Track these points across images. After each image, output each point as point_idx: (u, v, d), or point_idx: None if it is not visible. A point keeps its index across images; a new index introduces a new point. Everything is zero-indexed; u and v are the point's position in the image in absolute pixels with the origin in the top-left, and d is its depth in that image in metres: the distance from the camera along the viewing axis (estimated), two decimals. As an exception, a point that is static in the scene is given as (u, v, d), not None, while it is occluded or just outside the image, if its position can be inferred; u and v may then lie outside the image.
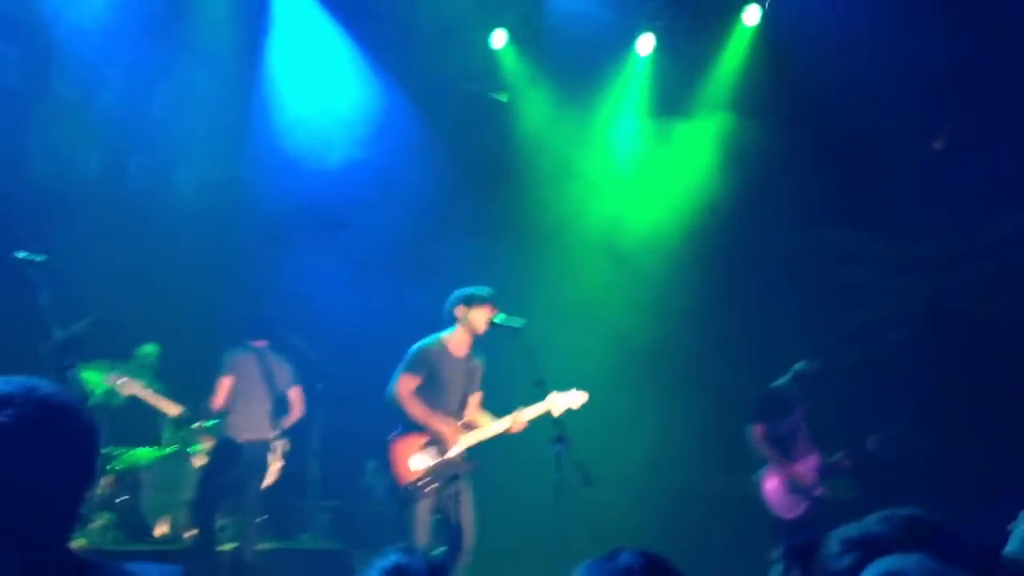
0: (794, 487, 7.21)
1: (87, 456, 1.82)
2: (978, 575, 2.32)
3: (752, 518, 7.91)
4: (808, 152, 9.14)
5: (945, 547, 2.65)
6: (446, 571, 2.12)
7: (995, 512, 3.45)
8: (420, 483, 6.00)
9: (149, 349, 8.48)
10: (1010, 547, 3.21)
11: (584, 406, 6.36)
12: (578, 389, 6.30)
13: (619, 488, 8.23)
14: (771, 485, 7.26)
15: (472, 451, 6.23)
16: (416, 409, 6.11)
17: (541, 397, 6.07)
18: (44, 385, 1.82)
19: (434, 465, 6.05)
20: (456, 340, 6.27)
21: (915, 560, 2.13)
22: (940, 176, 8.77)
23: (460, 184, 9.43)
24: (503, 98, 10.01)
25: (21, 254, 5.16)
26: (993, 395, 8.25)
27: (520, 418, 6.18)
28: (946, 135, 9.03)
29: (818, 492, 7.24)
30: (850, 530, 2.68)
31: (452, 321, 6.28)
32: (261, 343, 7.41)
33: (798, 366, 7.46)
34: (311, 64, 9.28)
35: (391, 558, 2.11)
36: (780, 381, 7.47)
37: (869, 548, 2.41)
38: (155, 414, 8.25)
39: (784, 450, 7.29)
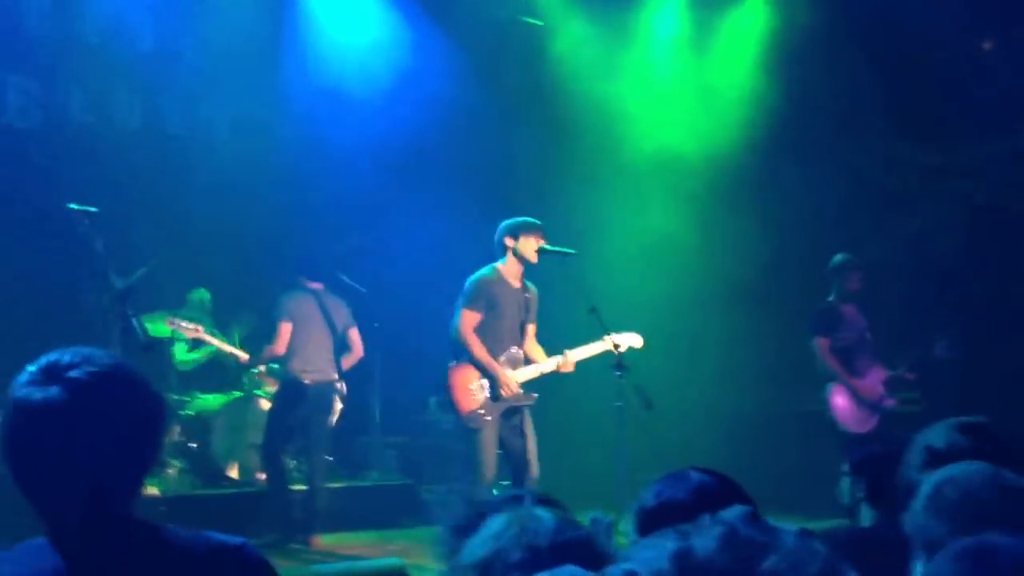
0: (862, 400, 7.14)
1: (150, 426, 1.80)
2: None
3: (817, 436, 7.88)
4: (851, 57, 8.86)
5: (1013, 455, 2.59)
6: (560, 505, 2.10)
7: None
8: (481, 411, 6.03)
9: (202, 294, 8.56)
10: None
11: (642, 329, 6.33)
12: (632, 332, 6.25)
13: (682, 413, 8.21)
14: (840, 400, 7.20)
15: (532, 382, 6.22)
16: (479, 350, 6.12)
17: (597, 324, 6.03)
18: (103, 355, 1.80)
19: (489, 397, 6.07)
20: (510, 270, 6.25)
21: (977, 468, 2.08)
22: (986, 81, 8.47)
23: (502, 113, 9.30)
24: (536, 22, 9.80)
25: (73, 205, 5.20)
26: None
27: (570, 358, 6.17)
28: (994, 38, 8.71)
29: (887, 404, 7.17)
30: (930, 439, 2.63)
31: (503, 252, 6.25)
32: (317, 285, 7.45)
33: (836, 260, 7.32)
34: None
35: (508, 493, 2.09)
36: (832, 296, 7.38)
37: (956, 460, 2.36)
38: (217, 359, 8.40)
39: (849, 363, 7.22)
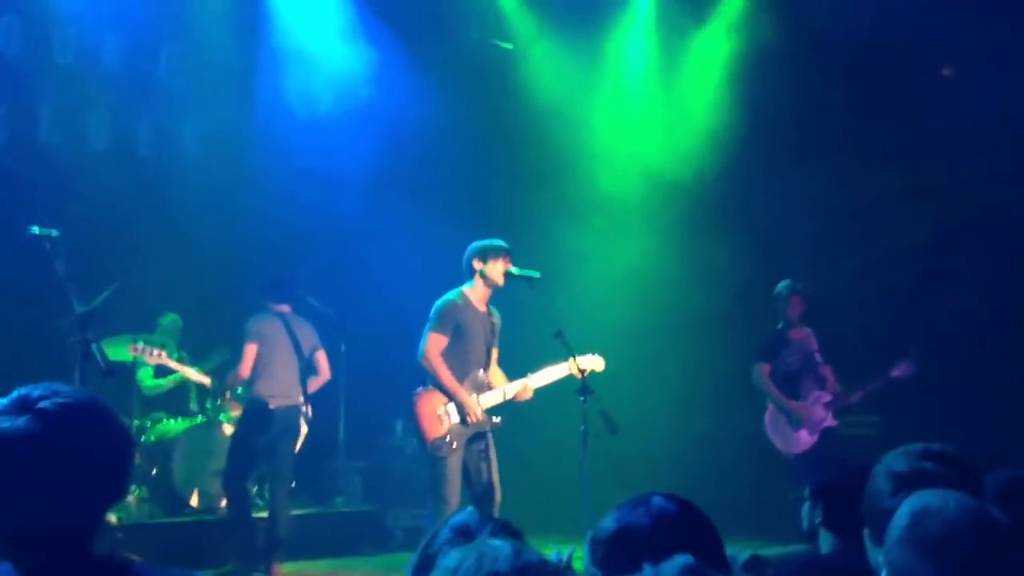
0: (798, 422, 7.23)
1: (116, 460, 1.82)
2: (1011, 511, 2.27)
3: (776, 458, 7.93)
4: (816, 80, 8.98)
5: (970, 482, 2.60)
6: (510, 527, 2.09)
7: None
8: (447, 439, 5.99)
9: (172, 318, 8.50)
10: None
11: (607, 354, 6.33)
12: (594, 354, 6.26)
13: (644, 435, 8.21)
14: (769, 421, 7.34)
15: (496, 407, 6.20)
16: (445, 375, 6.08)
17: (562, 348, 6.02)
18: (73, 389, 1.83)
19: (459, 423, 6.03)
20: (476, 294, 6.23)
21: (952, 497, 2.08)
22: (951, 103, 8.60)
23: (473, 134, 9.33)
24: (507, 46, 9.87)
25: (35, 229, 5.13)
26: (1013, 324, 8.13)
27: (531, 383, 6.15)
28: (954, 62, 8.86)
29: (824, 426, 7.23)
30: (896, 465, 2.62)
31: (471, 274, 6.23)
32: (284, 308, 7.39)
33: (778, 288, 7.47)
34: (312, 17, 9.18)
35: (460, 516, 2.08)
36: (781, 323, 7.49)
37: (922, 486, 2.36)
38: (183, 386, 8.32)
39: (792, 387, 7.31)
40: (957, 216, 8.86)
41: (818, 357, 7.41)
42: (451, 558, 1.55)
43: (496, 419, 6.17)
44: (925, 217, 9.01)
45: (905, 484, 2.49)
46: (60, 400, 1.75)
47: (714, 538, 1.92)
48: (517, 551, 1.53)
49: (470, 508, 2.24)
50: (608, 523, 2.00)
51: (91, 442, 1.76)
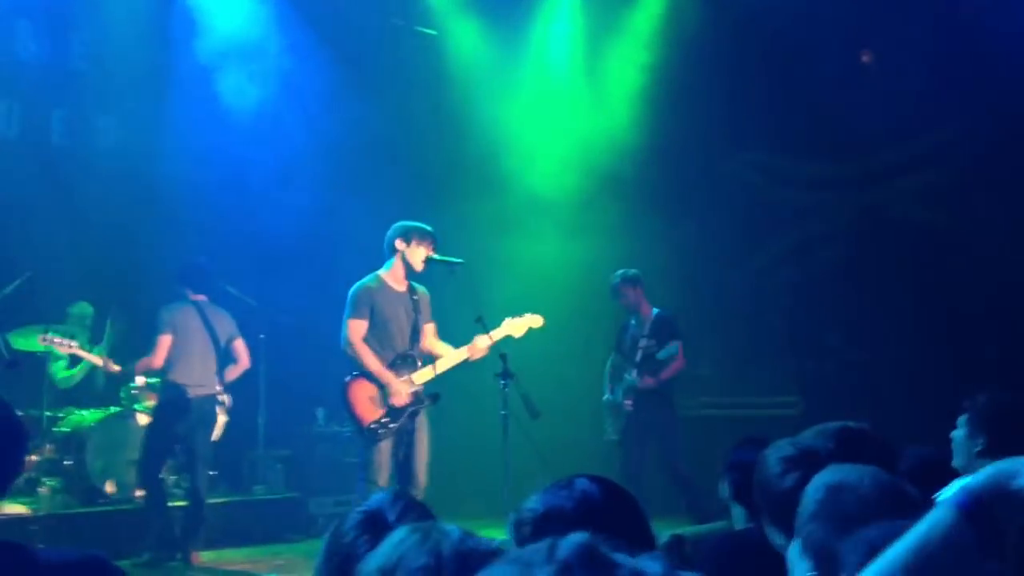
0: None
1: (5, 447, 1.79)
2: (924, 488, 2.34)
3: (703, 439, 8.09)
4: (732, 73, 9.11)
5: (885, 459, 2.67)
6: (424, 510, 2.09)
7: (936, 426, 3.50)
8: (383, 421, 5.96)
9: (83, 307, 8.31)
10: (956, 461, 3.25)
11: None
12: (531, 313, 6.29)
13: (569, 420, 8.26)
14: None
15: (431, 384, 6.18)
16: (369, 360, 6.05)
17: (482, 333, 6.04)
18: None
19: (387, 406, 6.01)
20: (394, 274, 6.20)
21: (868, 472, 2.12)
22: (868, 89, 8.80)
23: (394, 123, 9.27)
24: (431, 32, 9.81)
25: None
26: (931, 307, 8.38)
27: (479, 344, 6.10)
28: (872, 48, 9.04)
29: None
30: (785, 448, 2.68)
31: (391, 253, 6.19)
32: (200, 296, 7.28)
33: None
34: (231, 7, 9.01)
35: (373, 499, 2.07)
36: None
37: (810, 465, 2.41)
38: (95, 374, 8.15)
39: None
40: (877, 203, 9.07)
41: (643, 342, 7.49)
42: (397, 533, 1.55)
43: (434, 395, 6.13)
44: (848, 202, 9.22)
45: (794, 464, 2.54)
46: None
47: (640, 519, 1.94)
48: (465, 536, 1.53)
49: (383, 491, 2.25)
50: (532, 504, 2.02)
51: None
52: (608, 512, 1.92)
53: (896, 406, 7.57)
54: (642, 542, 1.92)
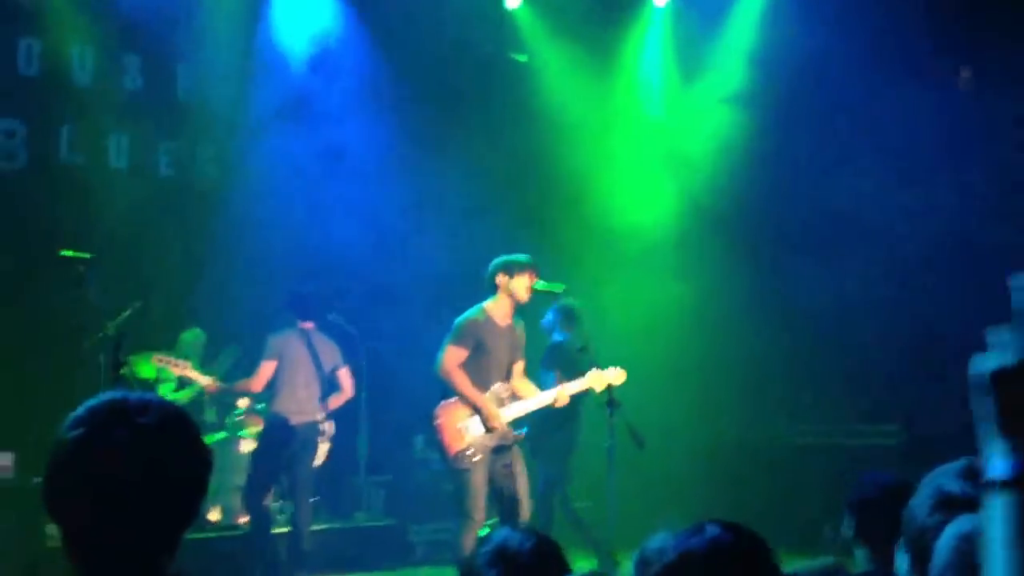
0: None
1: (197, 479, 1.77)
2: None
3: (798, 465, 7.97)
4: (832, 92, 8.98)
5: None
6: (553, 548, 2.11)
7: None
8: (469, 452, 6.01)
9: (196, 334, 8.48)
10: None
11: (626, 365, 6.36)
12: (617, 367, 6.25)
13: (665, 444, 8.21)
14: None
15: (521, 420, 6.22)
16: (463, 384, 6.12)
17: (586, 362, 6.06)
18: (165, 402, 1.78)
19: (480, 436, 6.06)
20: (499, 309, 6.25)
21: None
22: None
23: (490, 149, 9.36)
24: (522, 59, 9.88)
25: (67, 252, 5.15)
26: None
27: (563, 393, 6.17)
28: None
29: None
30: (940, 482, 2.63)
31: (493, 289, 6.26)
32: (307, 324, 7.41)
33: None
34: (312, 31, 9.22)
35: (499, 534, 2.11)
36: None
37: (950, 507, 2.37)
38: (206, 402, 8.34)
39: None
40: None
41: None
42: None
43: (520, 433, 6.20)
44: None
45: (950, 505, 2.50)
46: (159, 415, 1.70)
47: (770, 565, 1.95)
48: None
49: (507, 528, 2.28)
50: (657, 545, 2.03)
51: (182, 459, 1.72)
52: (738, 559, 1.93)
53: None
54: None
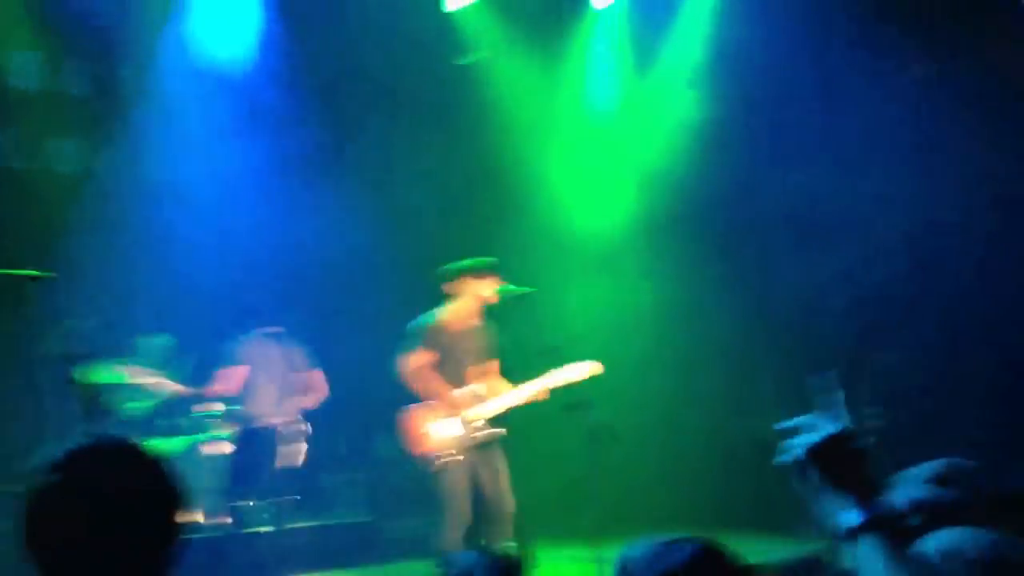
0: None
1: (170, 508, 1.85)
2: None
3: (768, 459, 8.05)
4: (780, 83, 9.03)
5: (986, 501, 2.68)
6: (517, 572, 2.19)
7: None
8: (442, 453, 6.07)
9: (163, 339, 8.47)
10: None
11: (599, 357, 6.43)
12: (587, 360, 6.30)
13: (641, 435, 8.32)
14: None
15: (498, 418, 6.29)
16: (422, 384, 6.17)
17: (556, 362, 6.11)
18: (115, 440, 1.85)
19: (451, 435, 6.12)
20: (461, 311, 6.29)
21: (972, 534, 2.15)
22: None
23: (441, 153, 9.36)
24: (468, 62, 9.81)
25: (33, 272, 5.10)
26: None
27: (544, 388, 6.18)
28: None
29: None
30: (914, 489, 2.70)
31: (455, 291, 6.29)
32: (275, 329, 7.46)
33: None
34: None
35: (463, 560, 2.19)
36: None
37: (932, 511, 2.44)
38: (177, 404, 8.34)
39: None
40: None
41: None
42: None
43: (499, 430, 6.26)
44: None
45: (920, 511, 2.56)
46: (103, 455, 1.79)
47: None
48: None
49: (471, 554, 2.37)
50: (637, 554, 2.10)
51: (156, 494, 1.81)
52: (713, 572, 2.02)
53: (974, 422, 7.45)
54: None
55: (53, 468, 1.78)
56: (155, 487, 1.82)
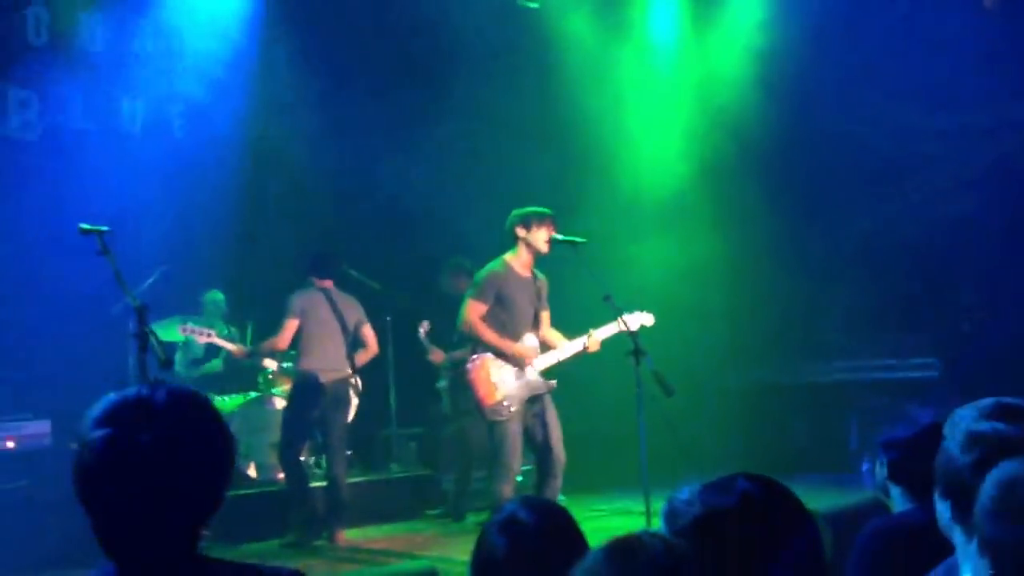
0: None
1: (225, 466, 1.82)
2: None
3: (826, 406, 7.94)
4: (849, 26, 8.78)
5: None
6: (563, 521, 2.13)
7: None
8: (504, 403, 6.04)
9: (215, 295, 8.58)
10: None
11: (652, 310, 6.36)
12: (643, 311, 6.29)
13: (692, 387, 8.21)
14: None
15: (551, 370, 6.24)
16: (488, 334, 6.14)
17: (610, 311, 6.03)
18: (190, 393, 1.81)
19: (515, 386, 6.08)
20: (520, 260, 6.25)
21: None
22: (993, 43, 8.39)
23: (507, 101, 9.23)
24: (533, 4, 9.67)
25: (85, 225, 5.16)
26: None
27: (595, 337, 6.18)
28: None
29: None
30: (970, 422, 2.61)
31: (513, 241, 6.25)
32: (327, 282, 7.45)
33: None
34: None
35: (506, 509, 2.13)
36: None
37: (989, 445, 2.36)
38: (233, 361, 8.43)
39: None
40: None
41: None
42: (595, 555, 1.58)
43: (552, 382, 6.21)
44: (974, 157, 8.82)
45: (977, 444, 2.47)
46: (182, 409, 1.75)
47: (801, 512, 1.94)
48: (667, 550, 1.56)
49: (517, 498, 2.32)
50: (687, 497, 2.02)
51: (206, 452, 1.77)
52: (768, 511, 1.92)
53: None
54: (804, 534, 1.92)
55: (102, 421, 1.74)
56: (206, 440, 1.78)
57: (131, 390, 1.79)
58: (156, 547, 1.74)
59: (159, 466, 1.71)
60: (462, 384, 6.58)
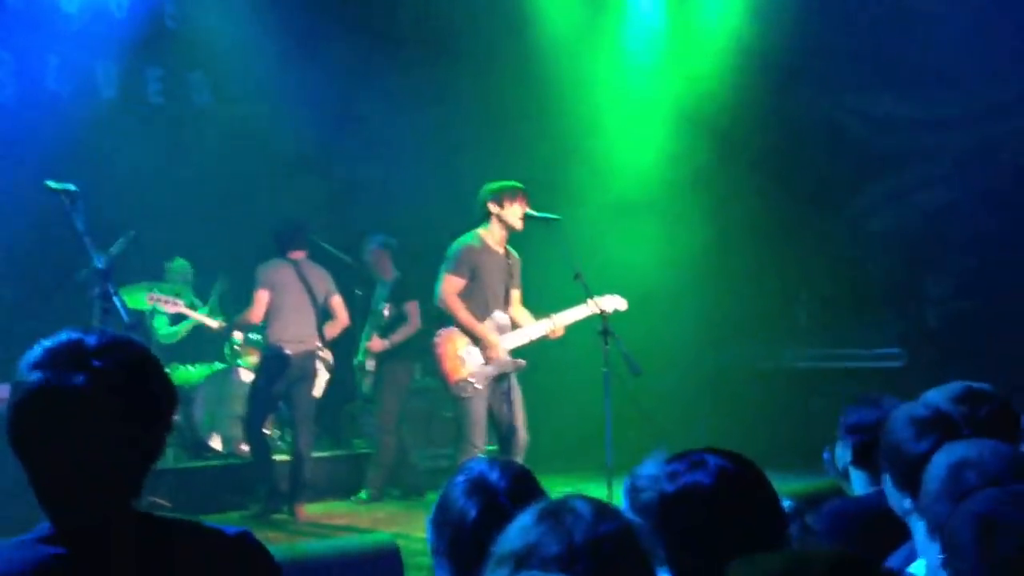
0: None
1: (165, 416, 1.76)
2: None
3: (800, 390, 7.96)
4: (834, 15, 8.79)
5: (1010, 421, 2.59)
6: (529, 480, 2.11)
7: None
8: (470, 380, 6.00)
9: (181, 263, 8.46)
10: None
11: (624, 292, 6.34)
12: (614, 295, 6.26)
13: (663, 370, 8.22)
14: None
15: (520, 348, 6.20)
16: (463, 314, 6.08)
17: (580, 290, 6.00)
18: (126, 340, 1.74)
19: (482, 363, 6.04)
20: (492, 236, 6.19)
21: (987, 446, 2.07)
22: (970, 31, 8.42)
23: (482, 83, 9.18)
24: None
25: (52, 183, 5.06)
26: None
27: (559, 322, 6.12)
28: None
29: None
30: (916, 409, 2.61)
31: (486, 217, 6.18)
32: (298, 254, 7.38)
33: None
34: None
35: (475, 466, 2.11)
36: None
37: (944, 429, 2.36)
38: (198, 331, 8.34)
39: None
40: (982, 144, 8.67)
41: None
42: (526, 516, 1.56)
43: (520, 361, 6.18)
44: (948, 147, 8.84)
45: (928, 427, 2.47)
46: (118, 356, 1.68)
47: (770, 490, 1.92)
48: (597, 519, 1.54)
49: (485, 458, 2.28)
50: (650, 472, 1.99)
51: (145, 400, 1.71)
52: (745, 487, 1.90)
53: (1005, 359, 7.33)
54: (774, 513, 1.91)
55: (35, 365, 1.68)
56: (142, 381, 1.72)
57: (64, 334, 1.72)
58: (93, 498, 1.69)
59: (95, 408, 1.65)
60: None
